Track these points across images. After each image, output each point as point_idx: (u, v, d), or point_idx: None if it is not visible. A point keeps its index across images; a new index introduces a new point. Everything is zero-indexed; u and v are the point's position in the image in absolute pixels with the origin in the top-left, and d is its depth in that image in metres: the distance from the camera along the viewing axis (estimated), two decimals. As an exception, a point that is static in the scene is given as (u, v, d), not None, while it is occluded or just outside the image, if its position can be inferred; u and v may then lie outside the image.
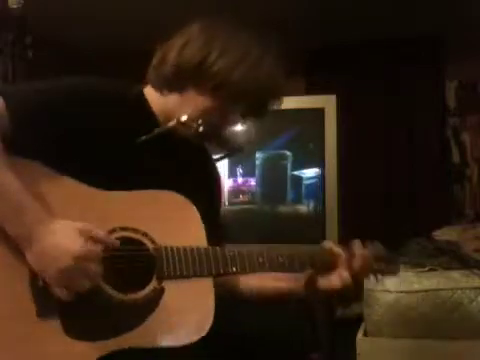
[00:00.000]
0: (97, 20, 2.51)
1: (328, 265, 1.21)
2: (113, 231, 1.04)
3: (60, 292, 0.95)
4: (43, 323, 0.96)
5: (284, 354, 1.19)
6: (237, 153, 1.24)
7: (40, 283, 0.96)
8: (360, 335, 1.80)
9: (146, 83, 1.20)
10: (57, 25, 2.56)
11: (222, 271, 1.09)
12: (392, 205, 3.02)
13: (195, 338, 1.02)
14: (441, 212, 2.89)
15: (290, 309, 1.27)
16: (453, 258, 1.89)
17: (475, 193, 2.99)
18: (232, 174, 2.06)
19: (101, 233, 0.99)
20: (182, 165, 1.22)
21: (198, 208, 1.13)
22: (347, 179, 2.40)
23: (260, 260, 1.13)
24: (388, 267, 1.27)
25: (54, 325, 0.96)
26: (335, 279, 1.19)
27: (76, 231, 0.96)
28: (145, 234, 1.06)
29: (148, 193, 1.10)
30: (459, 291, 1.73)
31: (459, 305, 1.72)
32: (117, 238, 1.04)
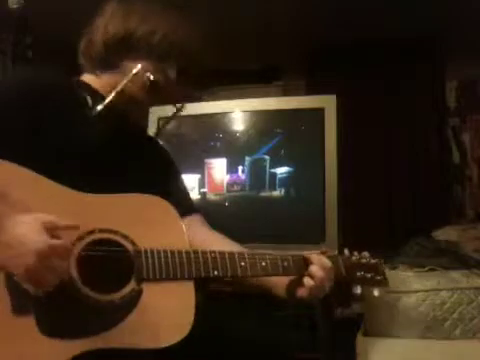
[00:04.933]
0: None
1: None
2: (92, 232, 1.03)
3: (29, 287, 0.94)
4: (18, 320, 0.95)
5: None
6: (181, 111, 1.27)
7: (15, 278, 0.94)
8: (360, 335, 1.80)
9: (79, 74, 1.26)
10: (57, 25, 2.56)
11: (203, 275, 1.09)
12: (392, 205, 3.02)
13: (173, 340, 1.01)
14: (441, 212, 2.89)
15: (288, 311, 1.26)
16: (453, 258, 1.89)
17: (475, 193, 2.99)
18: (229, 171, 2.29)
19: (62, 222, 0.97)
20: (136, 153, 1.26)
21: (158, 187, 1.16)
22: (347, 179, 2.40)
23: (242, 264, 1.12)
24: (373, 277, 1.23)
25: (28, 322, 0.95)
26: (303, 290, 1.15)
27: (39, 225, 0.94)
28: (125, 236, 1.06)
29: (128, 196, 1.10)
30: (459, 291, 1.73)
31: (459, 305, 1.72)
32: (96, 239, 1.03)
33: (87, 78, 1.24)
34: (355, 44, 2.98)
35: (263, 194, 2.30)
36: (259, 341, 1.22)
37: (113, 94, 1.16)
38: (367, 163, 2.99)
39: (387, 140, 3.04)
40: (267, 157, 2.28)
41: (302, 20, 2.65)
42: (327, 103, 2.23)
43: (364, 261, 1.23)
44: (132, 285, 1.04)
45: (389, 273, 1.82)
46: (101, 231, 1.04)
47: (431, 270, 1.83)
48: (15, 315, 0.95)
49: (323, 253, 1.19)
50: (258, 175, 2.28)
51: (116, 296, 1.02)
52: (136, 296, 1.03)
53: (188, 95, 1.29)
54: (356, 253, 1.24)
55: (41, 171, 1.02)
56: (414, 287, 1.75)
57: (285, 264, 1.15)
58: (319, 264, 1.15)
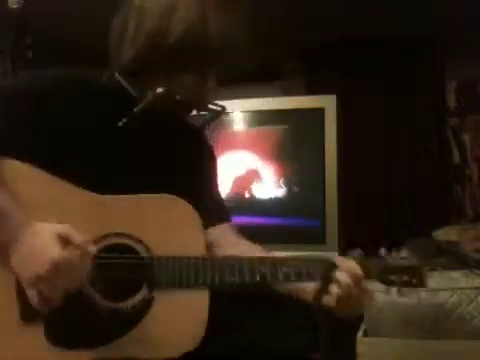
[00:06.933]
0: (97, 20, 2.51)
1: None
2: (106, 237, 1.01)
3: (32, 298, 0.92)
4: (25, 327, 0.95)
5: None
6: (221, 114, 1.15)
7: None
8: (360, 335, 1.80)
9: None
10: (57, 25, 2.56)
11: (218, 281, 1.03)
12: (392, 205, 3.02)
13: (179, 353, 0.99)
14: (441, 212, 2.89)
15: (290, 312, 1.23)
16: (453, 258, 1.89)
17: (475, 193, 2.98)
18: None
19: (78, 239, 0.93)
20: (171, 149, 1.18)
21: (190, 191, 1.09)
22: (347, 179, 2.40)
23: (262, 270, 1.04)
24: (409, 280, 1.11)
25: (36, 330, 0.95)
26: (329, 298, 1.05)
27: (55, 236, 0.92)
28: (140, 241, 1.02)
29: (146, 197, 1.05)
30: (459, 291, 1.73)
31: (459, 305, 1.72)
32: (110, 245, 1.01)
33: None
34: (355, 44, 2.98)
35: (264, 194, 2.30)
36: (258, 342, 1.21)
37: (137, 109, 1.07)
38: (367, 163, 2.99)
39: (387, 140, 3.04)
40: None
41: (302, 20, 2.65)
42: (327, 103, 2.24)
43: (401, 264, 1.11)
44: (143, 293, 1.01)
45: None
46: (115, 235, 1.02)
47: (431, 270, 1.83)
48: (24, 323, 0.95)
49: (355, 258, 1.09)
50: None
51: (126, 304, 1.00)
52: (147, 305, 1.01)
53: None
54: (394, 254, 1.14)
55: (58, 166, 1.01)
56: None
57: (310, 270, 1.06)
58: (346, 269, 1.04)
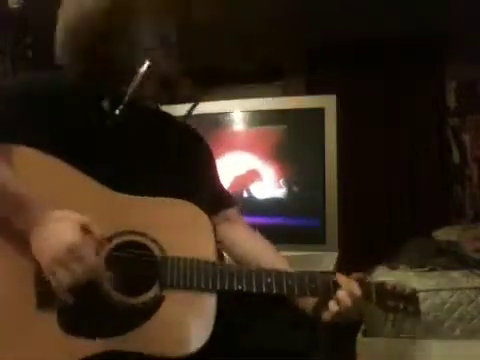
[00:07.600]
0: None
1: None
2: (121, 234, 1.04)
3: (52, 280, 0.96)
4: (40, 315, 0.98)
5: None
6: (197, 103, 1.22)
7: (44, 275, 0.97)
8: (360, 335, 1.80)
9: None
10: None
11: (226, 288, 1.06)
12: (392, 205, 3.02)
13: (185, 352, 1.01)
14: (441, 212, 2.89)
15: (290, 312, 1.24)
16: (453, 258, 1.89)
17: (475, 193, 2.98)
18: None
19: (98, 231, 0.99)
20: (167, 146, 1.21)
21: (188, 187, 1.13)
22: (347, 179, 2.40)
23: (268, 280, 1.08)
24: (405, 308, 1.16)
25: (50, 318, 0.98)
26: (327, 314, 1.12)
27: (76, 223, 0.97)
28: (154, 240, 1.05)
29: (162, 200, 1.09)
30: (459, 291, 1.73)
31: (459, 305, 1.72)
32: (125, 241, 1.04)
33: None
34: (355, 44, 2.98)
35: (263, 194, 2.30)
36: (258, 342, 1.21)
37: (127, 96, 1.09)
38: (367, 163, 2.99)
39: (387, 140, 3.04)
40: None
41: (302, 19, 2.65)
42: (327, 103, 2.23)
43: (398, 290, 1.16)
44: (155, 291, 1.03)
45: (389, 273, 1.83)
46: (131, 233, 1.04)
47: (431, 270, 1.83)
48: (38, 310, 0.98)
49: (355, 278, 1.14)
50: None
51: (138, 300, 1.02)
52: (157, 303, 1.03)
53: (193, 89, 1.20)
54: (391, 283, 1.17)
55: None
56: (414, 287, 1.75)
57: (313, 286, 1.10)
58: (348, 290, 1.10)
